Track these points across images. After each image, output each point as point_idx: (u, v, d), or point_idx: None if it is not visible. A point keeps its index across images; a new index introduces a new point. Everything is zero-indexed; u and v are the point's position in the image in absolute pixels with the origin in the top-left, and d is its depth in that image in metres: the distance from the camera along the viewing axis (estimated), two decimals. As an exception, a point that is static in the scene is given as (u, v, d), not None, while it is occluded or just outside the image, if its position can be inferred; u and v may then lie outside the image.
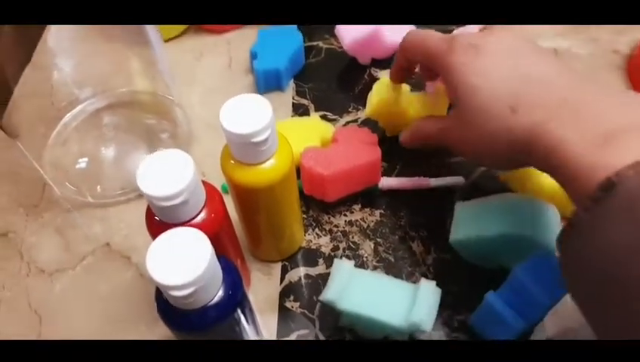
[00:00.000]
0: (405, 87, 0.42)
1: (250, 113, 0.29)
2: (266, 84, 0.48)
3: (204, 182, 0.29)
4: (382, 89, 0.42)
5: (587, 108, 0.27)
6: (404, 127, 0.40)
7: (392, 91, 0.41)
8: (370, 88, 0.48)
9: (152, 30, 0.41)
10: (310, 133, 0.42)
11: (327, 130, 0.42)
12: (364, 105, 0.47)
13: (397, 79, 0.41)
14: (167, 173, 0.27)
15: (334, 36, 0.50)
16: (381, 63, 0.50)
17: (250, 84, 0.49)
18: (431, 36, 0.35)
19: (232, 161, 0.31)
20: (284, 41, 0.48)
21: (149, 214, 0.29)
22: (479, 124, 0.31)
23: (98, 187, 0.43)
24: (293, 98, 0.48)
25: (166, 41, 0.53)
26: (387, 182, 0.41)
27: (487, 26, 0.36)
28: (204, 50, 0.52)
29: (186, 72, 0.51)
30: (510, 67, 0.31)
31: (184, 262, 0.24)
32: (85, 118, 0.47)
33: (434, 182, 0.41)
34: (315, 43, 0.52)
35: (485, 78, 0.31)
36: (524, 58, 0.31)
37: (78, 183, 0.43)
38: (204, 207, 0.29)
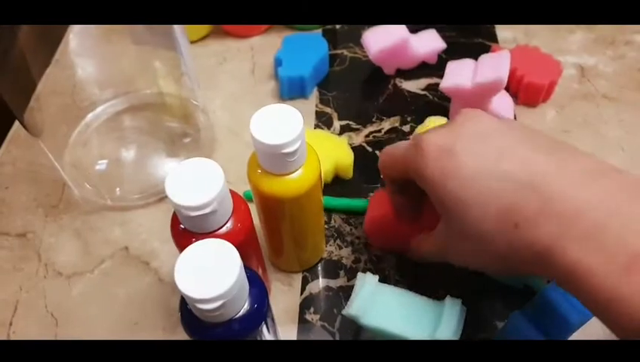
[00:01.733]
0: None
1: (281, 124, 0.28)
2: (290, 91, 0.47)
3: (231, 192, 0.29)
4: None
5: (601, 221, 0.23)
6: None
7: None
8: (394, 99, 0.48)
9: (179, 32, 0.41)
10: (328, 151, 0.41)
11: (347, 156, 0.42)
12: (388, 115, 0.47)
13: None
14: (196, 182, 0.26)
15: (359, 45, 0.50)
16: (406, 74, 0.49)
17: (273, 91, 0.49)
18: (396, 148, 0.32)
19: (259, 171, 0.30)
20: (309, 49, 0.48)
21: (175, 222, 0.28)
22: (478, 241, 0.27)
23: (117, 189, 0.43)
24: (316, 106, 0.48)
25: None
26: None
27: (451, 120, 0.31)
28: (228, 55, 0.52)
29: (209, 76, 0.50)
30: (492, 164, 0.27)
31: (213, 274, 0.23)
32: (107, 119, 0.47)
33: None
34: (339, 51, 0.52)
35: (470, 186, 0.27)
36: (505, 151, 0.27)
37: (98, 185, 0.43)
38: (230, 216, 0.28)
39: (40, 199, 0.43)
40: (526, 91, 0.45)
